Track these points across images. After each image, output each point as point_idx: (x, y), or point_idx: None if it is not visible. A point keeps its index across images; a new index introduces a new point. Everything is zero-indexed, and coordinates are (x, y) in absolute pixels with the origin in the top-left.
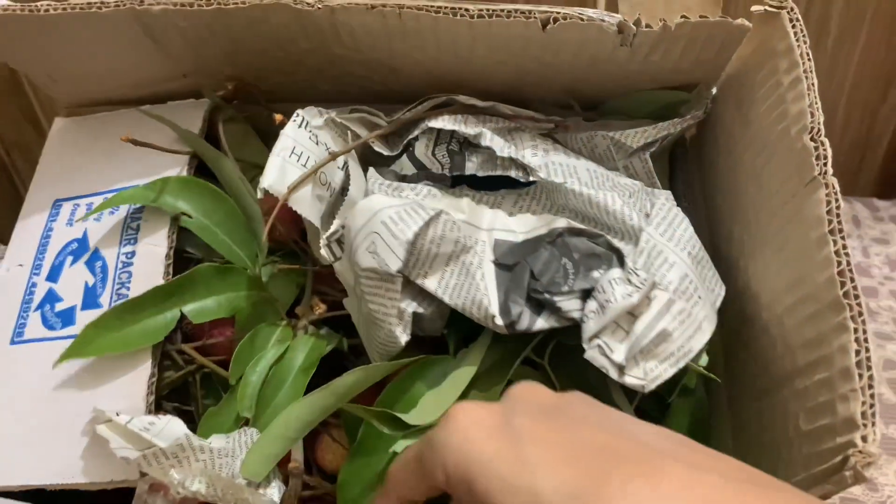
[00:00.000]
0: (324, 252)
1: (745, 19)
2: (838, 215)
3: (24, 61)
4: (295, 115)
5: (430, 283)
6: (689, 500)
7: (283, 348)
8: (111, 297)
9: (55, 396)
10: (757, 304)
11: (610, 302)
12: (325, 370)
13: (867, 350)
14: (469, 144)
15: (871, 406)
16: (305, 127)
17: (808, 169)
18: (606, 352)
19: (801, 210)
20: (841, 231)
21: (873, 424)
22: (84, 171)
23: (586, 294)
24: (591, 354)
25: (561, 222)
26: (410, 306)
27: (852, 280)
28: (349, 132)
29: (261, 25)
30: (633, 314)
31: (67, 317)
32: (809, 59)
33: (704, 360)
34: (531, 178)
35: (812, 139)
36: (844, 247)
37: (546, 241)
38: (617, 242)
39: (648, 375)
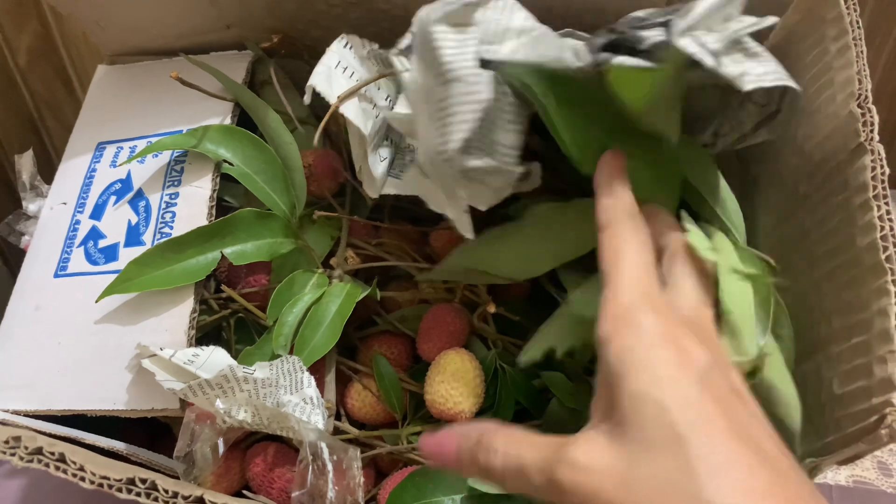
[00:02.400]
0: (395, 61)
1: None
2: (883, 181)
3: (74, 5)
4: (341, 37)
5: (502, 53)
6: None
7: (320, 293)
8: (154, 236)
9: (98, 328)
10: (794, 272)
11: (699, 5)
12: (356, 316)
13: None
14: None
15: None
16: (350, 49)
17: (853, 136)
18: (700, 41)
19: (845, 176)
20: (885, 197)
21: None
22: (127, 116)
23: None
24: (684, 42)
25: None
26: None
27: (895, 245)
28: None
29: None
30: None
31: (111, 253)
32: (860, 27)
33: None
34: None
35: (859, 105)
36: (888, 212)
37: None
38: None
39: (746, 67)
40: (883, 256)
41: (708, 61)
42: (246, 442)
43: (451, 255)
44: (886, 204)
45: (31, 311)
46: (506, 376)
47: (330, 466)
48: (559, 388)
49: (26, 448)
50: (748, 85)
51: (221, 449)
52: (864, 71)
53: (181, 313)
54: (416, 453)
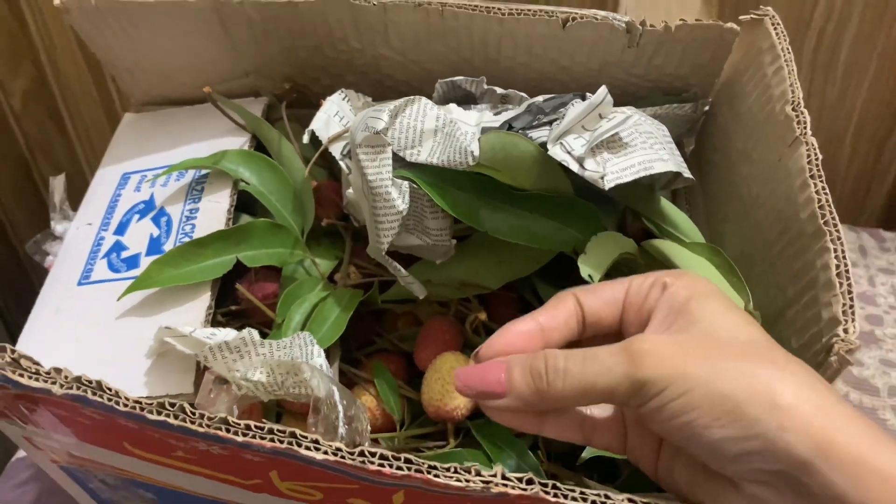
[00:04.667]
0: (341, 164)
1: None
2: (818, 165)
3: (108, 50)
4: (340, 90)
5: (423, 156)
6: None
7: (326, 294)
8: (175, 245)
9: (117, 324)
10: (751, 263)
11: (569, 113)
12: (357, 335)
13: (846, 264)
14: None
15: (851, 306)
16: (347, 101)
17: (790, 133)
18: (567, 148)
19: (786, 167)
20: (821, 177)
21: (853, 320)
22: (150, 150)
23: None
24: (554, 151)
25: (539, 98)
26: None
27: (831, 213)
28: None
29: (318, 19)
30: (592, 128)
31: (132, 261)
32: (789, 52)
33: None
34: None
35: (793, 109)
36: (824, 188)
37: (524, 111)
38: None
39: (606, 168)
40: (821, 221)
41: (573, 167)
42: None
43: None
44: (822, 181)
45: (51, 314)
46: None
47: (341, 408)
48: None
49: (66, 377)
50: (608, 184)
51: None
52: (796, 84)
53: (198, 307)
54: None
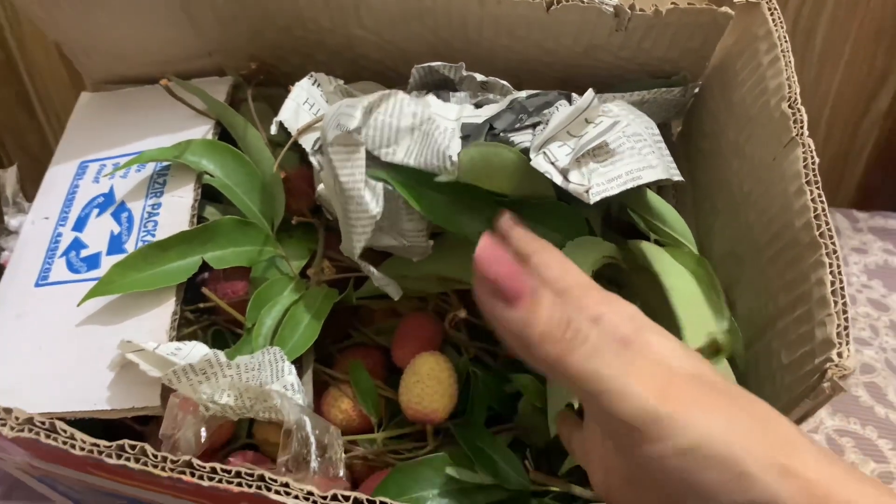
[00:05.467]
0: (312, 161)
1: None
2: (814, 170)
3: (63, 32)
4: (309, 75)
5: (398, 156)
6: None
7: (298, 296)
8: (136, 244)
9: (79, 332)
10: (741, 264)
11: (554, 118)
12: (332, 330)
13: (841, 281)
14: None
15: (846, 328)
16: (318, 86)
17: (786, 132)
18: (551, 158)
19: (781, 169)
20: (817, 183)
21: (847, 343)
22: (109, 137)
23: (537, 127)
24: (537, 161)
25: (522, 94)
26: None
27: (827, 223)
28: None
29: (288, 1)
30: (578, 133)
31: (93, 261)
32: (786, 41)
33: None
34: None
35: (790, 106)
36: (820, 196)
37: (507, 108)
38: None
39: (592, 180)
40: (817, 233)
41: (556, 180)
42: (223, 451)
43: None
44: (818, 188)
45: (12, 319)
46: (478, 381)
47: (313, 438)
48: (529, 389)
49: (17, 419)
50: (593, 198)
51: (204, 436)
52: (793, 77)
53: (163, 314)
54: (392, 457)
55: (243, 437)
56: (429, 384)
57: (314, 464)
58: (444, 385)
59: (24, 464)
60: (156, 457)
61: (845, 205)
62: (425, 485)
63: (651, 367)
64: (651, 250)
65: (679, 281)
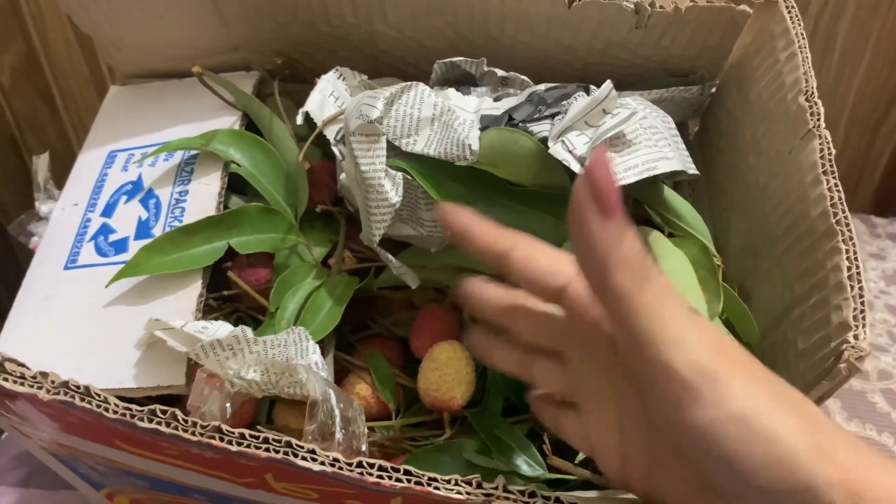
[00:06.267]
0: (335, 150)
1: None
2: (830, 160)
3: (96, 25)
4: (335, 69)
5: (419, 146)
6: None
7: (320, 282)
8: (164, 229)
9: (106, 313)
10: (757, 257)
11: (572, 108)
12: (351, 320)
13: (857, 266)
14: None
15: (862, 311)
16: (342, 80)
17: (802, 124)
18: (568, 147)
19: (798, 160)
20: (833, 173)
21: (864, 326)
22: (138, 128)
23: (555, 117)
24: (555, 149)
25: (540, 87)
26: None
27: (844, 211)
28: None
29: None
30: (596, 123)
31: (120, 245)
32: (804, 38)
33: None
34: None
35: (807, 99)
36: (837, 185)
37: (526, 100)
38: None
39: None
40: (833, 221)
41: (574, 167)
42: None
43: (434, 254)
44: (835, 178)
45: (40, 301)
46: (494, 372)
47: (337, 411)
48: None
49: (53, 382)
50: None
51: (229, 411)
52: (810, 72)
53: (189, 297)
54: (409, 444)
55: (263, 421)
56: (447, 371)
57: (339, 435)
58: (462, 373)
59: (50, 442)
60: (186, 421)
61: (863, 210)
62: (443, 469)
63: (706, 323)
64: (652, 236)
65: (673, 263)
